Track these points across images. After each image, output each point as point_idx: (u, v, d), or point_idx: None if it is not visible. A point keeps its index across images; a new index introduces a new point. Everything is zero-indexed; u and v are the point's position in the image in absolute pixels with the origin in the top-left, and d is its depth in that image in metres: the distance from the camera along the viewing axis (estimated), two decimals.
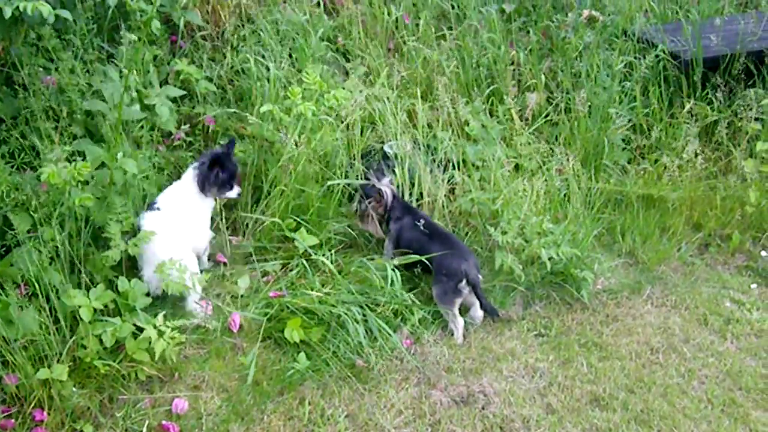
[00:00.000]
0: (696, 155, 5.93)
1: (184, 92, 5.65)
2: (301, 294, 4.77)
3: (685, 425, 4.33)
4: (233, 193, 5.10)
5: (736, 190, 6.00)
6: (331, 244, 5.30)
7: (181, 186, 4.96)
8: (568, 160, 5.74)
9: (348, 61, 6.75)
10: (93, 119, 5.02)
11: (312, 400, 4.33)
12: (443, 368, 4.63)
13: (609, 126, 6.19)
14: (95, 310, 4.19)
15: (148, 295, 4.55)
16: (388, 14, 6.98)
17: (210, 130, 5.82)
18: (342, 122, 5.67)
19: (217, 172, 4.92)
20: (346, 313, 4.65)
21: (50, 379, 4.00)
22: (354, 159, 5.65)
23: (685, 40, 6.69)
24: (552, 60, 6.87)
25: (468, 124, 5.89)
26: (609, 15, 7.06)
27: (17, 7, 4.05)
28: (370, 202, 5.22)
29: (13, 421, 4.00)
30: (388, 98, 5.96)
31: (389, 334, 4.66)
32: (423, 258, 4.91)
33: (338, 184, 5.44)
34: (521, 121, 5.99)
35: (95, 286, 4.30)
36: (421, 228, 5.02)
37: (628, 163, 6.26)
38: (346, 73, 6.51)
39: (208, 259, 5.24)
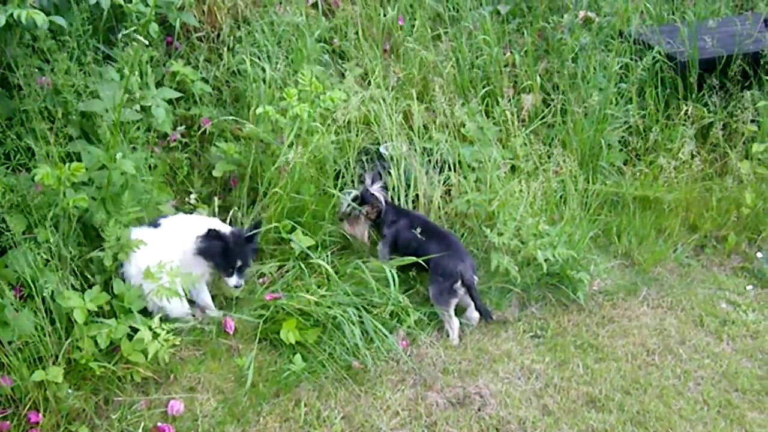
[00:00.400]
0: (692, 157, 5.94)
1: (180, 94, 5.64)
2: (297, 296, 4.76)
3: (681, 426, 4.33)
4: (232, 280, 4.73)
5: (732, 192, 6.01)
6: (327, 245, 5.29)
7: (190, 225, 4.76)
8: (564, 161, 5.74)
9: (344, 62, 6.75)
10: (88, 120, 5.01)
11: (308, 402, 4.33)
12: (439, 370, 4.63)
13: (605, 127, 6.20)
14: (90, 311, 4.18)
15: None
16: (384, 15, 6.98)
17: (206, 132, 5.81)
18: (337, 123, 5.66)
19: (214, 253, 4.64)
20: (342, 315, 4.65)
21: (45, 380, 4.00)
22: (349, 161, 5.65)
23: (681, 42, 6.69)
24: (548, 61, 6.88)
25: (464, 126, 5.89)
26: (605, 16, 7.06)
27: (11, 15, 4.04)
28: (365, 208, 5.21)
29: (8, 423, 3.99)
30: (383, 99, 5.96)
31: (385, 336, 4.66)
32: (420, 260, 4.91)
33: (334, 185, 5.43)
34: (517, 122, 5.99)
35: (91, 288, 4.29)
36: (417, 234, 5.02)
37: (624, 164, 6.27)
38: (342, 75, 6.50)
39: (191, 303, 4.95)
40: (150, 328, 4.23)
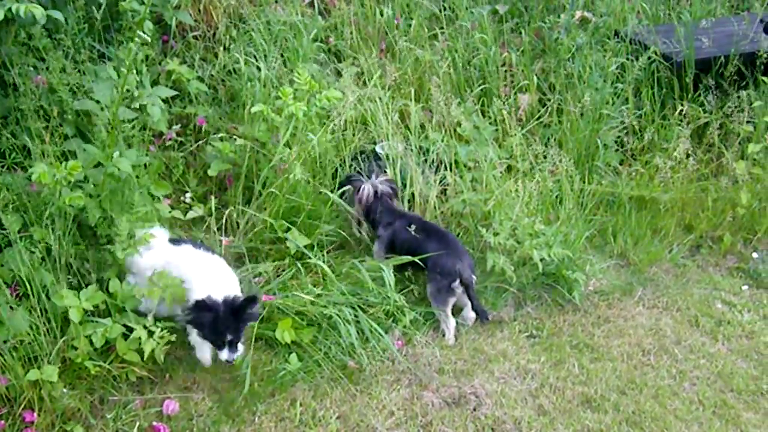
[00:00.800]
0: (688, 157, 5.94)
1: (176, 92, 5.63)
2: (293, 295, 4.76)
3: (677, 427, 4.34)
4: (223, 354, 4.24)
5: (728, 192, 6.02)
6: (323, 245, 5.28)
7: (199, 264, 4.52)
8: (560, 161, 5.73)
9: (340, 61, 6.74)
10: (83, 119, 5.00)
11: (303, 402, 4.33)
12: (435, 369, 4.63)
13: (601, 127, 6.20)
14: (85, 311, 4.17)
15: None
16: (381, 15, 6.98)
17: (202, 130, 5.81)
18: (332, 122, 5.66)
19: (203, 324, 4.22)
20: (337, 314, 4.64)
21: (40, 380, 3.98)
22: (344, 160, 5.65)
23: (677, 42, 6.70)
24: (544, 61, 6.88)
25: (460, 125, 5.88)
26: (601, 16, 7.06)
27: (9, 9, 4.03)
28: (346, 191, 5.29)
29: (2, 422, 3.98)
30: (380, 99, 5.96)
31: (381, 336, 4.65)
32: (416, 258, 4.92)
33: (330, 184, 5.43)
34: (514, 121, 5.99)
35: (86, 287, 4.28)
36: (412, 232, 5.02)
37: (620, 164, 6.27)
38: (338, 74, 6.50)
39: None
40: (145, 327, 4.22)
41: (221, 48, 6.34)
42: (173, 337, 4.28)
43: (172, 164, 5.54)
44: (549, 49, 6.97)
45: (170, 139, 5.60)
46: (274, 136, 5.46)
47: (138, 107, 5.05)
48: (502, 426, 4.28)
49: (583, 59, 6.53)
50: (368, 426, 4.23)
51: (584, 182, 5.95)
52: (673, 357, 4.86)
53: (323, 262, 4.95)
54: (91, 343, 4.15)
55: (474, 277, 4.90)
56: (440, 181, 5.66)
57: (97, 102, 4.85)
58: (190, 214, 5.31)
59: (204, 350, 4.43)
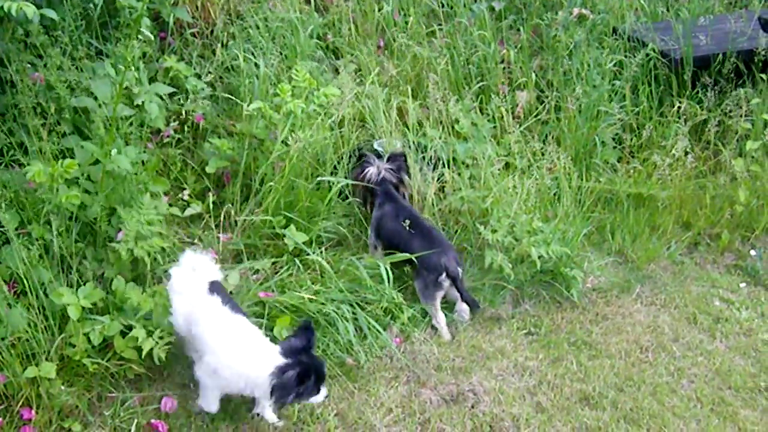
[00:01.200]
0: (686, 154, 5.93)
1: (174, 89, 5.62)
2: (291, 292, 4.75)
3: (674, 424, 4.34)
4: (319, 396, 4.02)
5: (726, 189, 6.01)
6: (321, 241, 5.28)
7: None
8: (558, 158, 5.73)
9: (338, 58, 6.74)
10: (81, 116, 4.99)
11: None
12: (433, 367, 4.63)
13: (599, 125, 6.20)
14: (84, 308, 4.16)
15: None
16: (379, 11, 6.97)
17: (199, 127, 5.80)
18: (330, 118, 5.66)
19: (303, 382, 3.88)
20: (335, 311, 4.65)
21: (38, 377, 3.99)
22: (342, 157, 5.65)
23: (675, 39, 6.69)
24: (542, 58, 6.88)
25: (458, 122, 5.88)
26: (599, 13, 7.05)
27: (1, 7, 4.02)
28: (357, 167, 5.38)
29: (1, 419, 3.98)
30: (378, 96, 5.95)
31: (379, 333, 4.66)
32: (413, 256, 4.93)
33: (328, 181, 5.42)
34: (512, 119, 5.98)
35: (84, 284, 4.28)
36: (407, 227, 5.04)
37: (618, 161, 6.26)
38: (336, 71, 6.50)
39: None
40: (143, 326, 4.22)
41: (219, 45, 6.33)
42: (173, 338, 4.29)
43: (169, 161, 5.53)
44: (547, 47, 6.97)
45: (168, 136, 5.59)
46: (272, 133, 5.46)
47: (136, 104, 5.05)
48: (500, 423, 4.28)
49: (581, 56, 6.52)
50: (366, 423, 4.23)
51: (582, 179, 5.95)
52: (671, 354, 4.87)
53: (322, 258, 4.95)
54: (89, 340, 4.15)
55: (460, 269, 4.92)
56: (438, 179, 5.66)
57: (95, 99, 4.85)
58: (188, 211, 5.31)
59: (212, 398, 4.13)
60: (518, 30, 7.14)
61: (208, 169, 5.54)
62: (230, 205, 5.35)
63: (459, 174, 5.64)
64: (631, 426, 4.32)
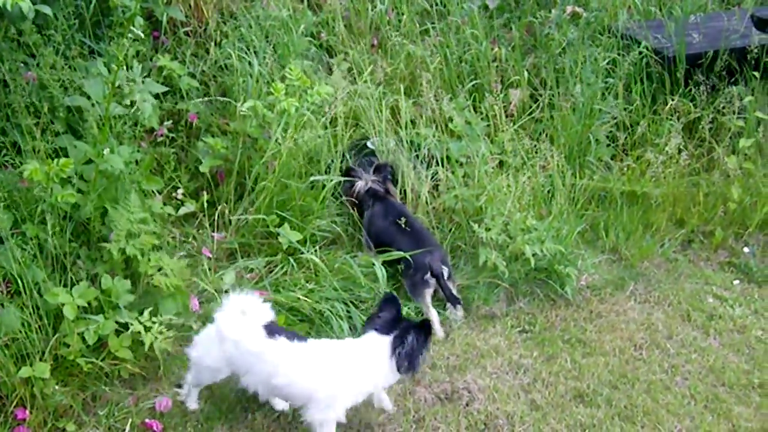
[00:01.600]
0: (679, 152, 5.94)
1: (167, 88, 5.61)
2: (285, 291, 4.75)
3: (669, 421, 4.35)
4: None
5: (719, 187, 6.03)
6: (315, 240, 5.28)
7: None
8: (551, 156, 5.74)
9: (331, 56, 6.73)
10: (74, 115, 4.98)
11: None
12: (427, 365, 4.62)
13: (593, 122, 6.20)
14: (78, 307, 4.15)
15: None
16: (372, 10, 6.97)
17: (193, 126, 5.79)
18: (324, 117, 5.66)
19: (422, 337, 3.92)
20: (330, 310, 4.65)
21: (32, 377, 3.97)
22: (336, 155, 5.65)
23: (668, 37, 6.70)
24: (535, 56, 6.88)
25: (452, 121, 5.88)
26: (592, 11, 7.05)
27: None
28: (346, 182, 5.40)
29: None
30: (371, 94, 5.95)
31: None
32: (407, 255, 4.94)
33: (322, 180, 5.42)
34: (505, 117, 5.99)
35: (78, 284, 4.27)
36: (402, 225, 5.06)
37: (612, 159, 6.27)
38: (330, 69, 6.49)
39: None
40: (140, 322, 4.21)
41: (212, 44, 6.33)
42: (171, 334, 4.28)
43: (163, 160, 5.51)
44: (540, 45, 6.97)
45: (161, 135, 5.58)
46: (266, 132, 5.45)
47: (129, 103, 5.04)
48: (494, 421, 4.29)
49: (574, 54, 6.53)
50: (361, 421, 4.23)
51: (576, 177, 5.96)
52: (664, 351, 4.88)
53: (316, 257, 4.95)
54: (84, 340, 4.14)
55: (445, 268, 4.96)
56: (432, 177, 5.66)
57: (88, 98, 4.84)
58: (182, 210, 5.30)
59: (193, 395, 4.23)
60: (511, 28, 7.14)
61: (201, 168, 5.52)
62: (224, 204, 5.34)
63: (453, 172, 5.64)
64: (626, 423, 4.32)
